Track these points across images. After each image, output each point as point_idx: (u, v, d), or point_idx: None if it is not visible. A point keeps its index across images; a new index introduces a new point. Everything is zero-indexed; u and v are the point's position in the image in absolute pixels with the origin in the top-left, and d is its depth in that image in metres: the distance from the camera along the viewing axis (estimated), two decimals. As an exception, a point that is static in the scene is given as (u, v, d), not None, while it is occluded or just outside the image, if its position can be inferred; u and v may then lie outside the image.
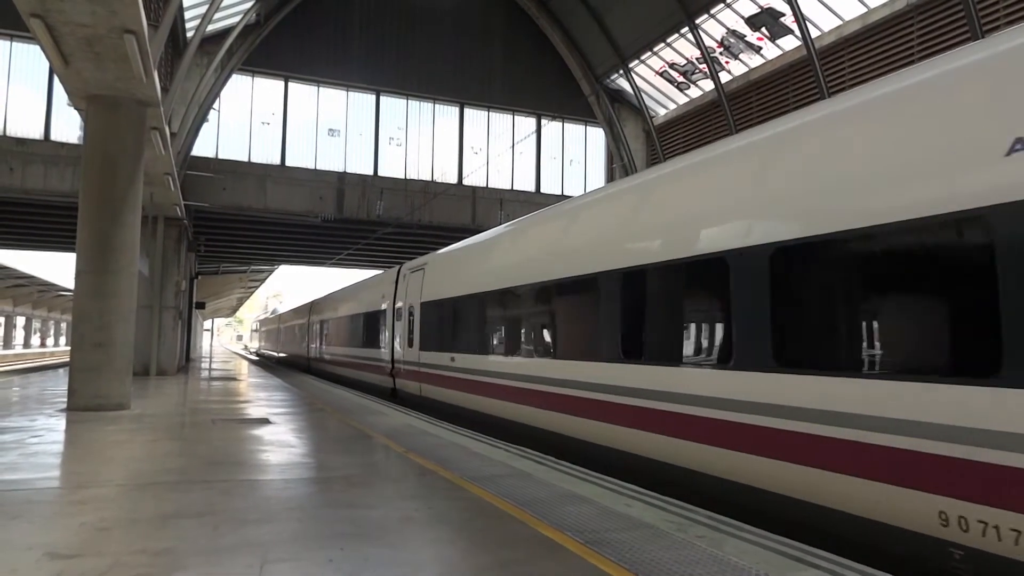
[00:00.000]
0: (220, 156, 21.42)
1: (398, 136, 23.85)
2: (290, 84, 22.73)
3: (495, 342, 9.58)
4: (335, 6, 23.07)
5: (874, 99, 4.55)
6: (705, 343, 5.65)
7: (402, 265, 15.07)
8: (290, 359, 34.20)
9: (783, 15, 18.57)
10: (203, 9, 15.33)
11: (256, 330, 71.21)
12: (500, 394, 9.15)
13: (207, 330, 55.99)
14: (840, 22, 17.74)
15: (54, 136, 18.89)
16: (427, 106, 24.40)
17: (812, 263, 4.57)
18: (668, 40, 22.20)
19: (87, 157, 10.63)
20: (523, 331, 8.79)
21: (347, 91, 23.40)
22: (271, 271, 44.41)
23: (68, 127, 18.93)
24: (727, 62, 21.32)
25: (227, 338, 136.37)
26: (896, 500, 3.87)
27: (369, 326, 17.03)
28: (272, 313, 56.77)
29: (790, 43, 19.24)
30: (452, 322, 11.22)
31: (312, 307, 27.73)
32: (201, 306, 36.90)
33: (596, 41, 24.67)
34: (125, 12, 8.31)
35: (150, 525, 4.06)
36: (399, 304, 14.32)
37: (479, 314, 10.07)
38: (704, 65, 21.58)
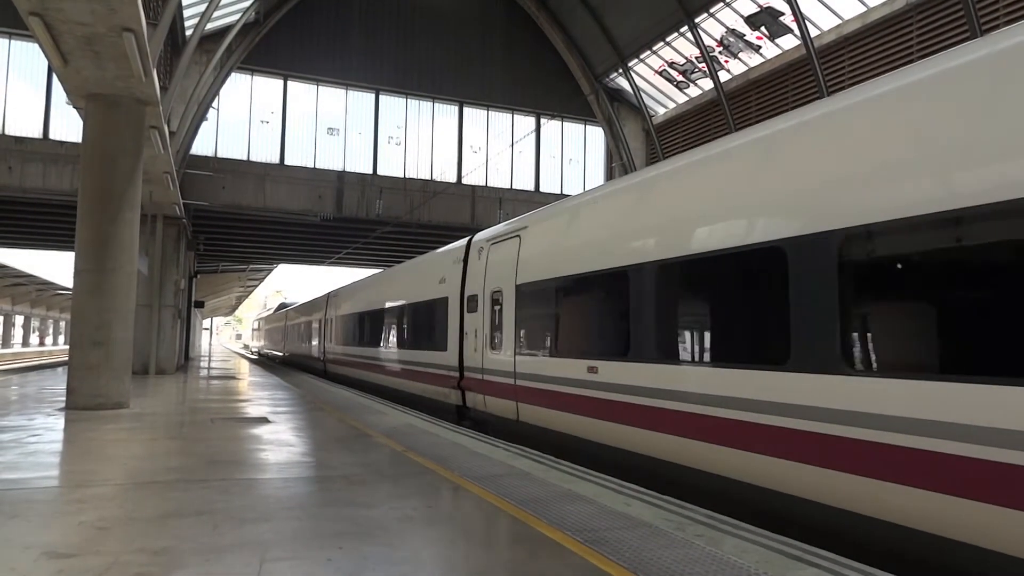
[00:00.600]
0: (219, 155, 21.42)
1: (397, 135, 23.86)
2: (289, 83, 22.72)
3: (724, 345, 5.47)
4: (334, 5, 23.07)
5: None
6: None
7: (472, 237, 11.31)
8: (300, 361, 29.79)
9: (782, 14, 18.57)
10: (202, 7, 15.32)
11: (258, 328, 65.34)
12: (738, 438, 5.11)
13: (206, 329, 55.84)
14: (839, 21, 17.75)
15: (53, 135, 18.88)
16: (426, 105, 24.40)
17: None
18: (667, 39, 22.19)
19: (86, 156, 10.62)
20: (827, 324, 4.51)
21: (346, 90, 23.39)
22: (270, 270, 44.40)
23: (67, 126, 18.92)
24: (726, 61, 21.32)
25: (226, 337, 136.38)
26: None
27: (420, 321, 13.20)
28: (277, 309, 50.10)
29: (789, 42, 19.24)
30: (591, 312, 7.42)
31: (331, 300, 23.36)
32: (200, 305, 36.91)
33: (595, 40, 24.67)
34: (124, 10, 8.30)
35: (149, 524, 4.06)
36: (471, 290, 10.58)
37: (676, 297, 6.07)
38: (703, 64, 21.58)
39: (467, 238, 11.65)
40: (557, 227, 8.53)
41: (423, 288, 13.19)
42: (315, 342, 25.76)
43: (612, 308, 6.95)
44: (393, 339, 15.12)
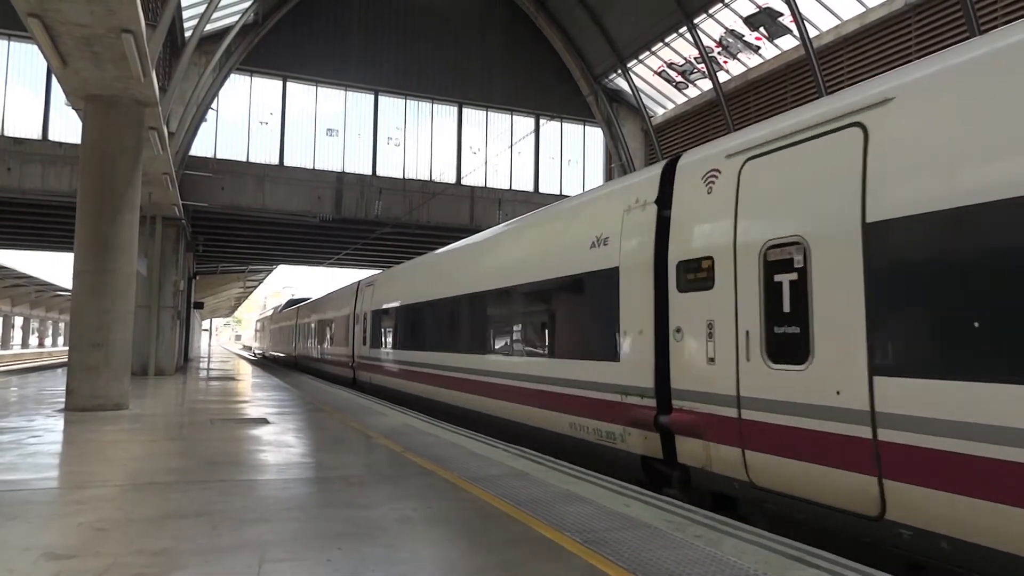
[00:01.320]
0: (218, 156, 21.41)
1: (396, 136, 23.85)
2: (288, 84, 22.71)
3: None
4: (333, 6, 23.06)
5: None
6: None
7: (675, 159, 6.58)
8: (317, 366, 25.12)
9: (781, 15, 18.58)
10: (201, 8, 15.32)
11: (261, 329, 60.26)
12: None
13: (205, 330, 55.67)
14: (838, 22, 17.76)
15: (52, 136, 18.87)
16: (425, 106, 24.40)
17: None
18: (666, 40, 22.19)
19: (85, 157, 10.62)
20: None
21: (345, 91, 23.38)
22: (270, 271, 44.29)
23: (66, 127, 18.91)
24: (725, 62, 21.32)
25: (225, 338, 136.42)
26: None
27: (547, 311, 8.44)
28: (287, 305, 44.32)
29: (788, 43, 19.25)
30: None
31: (365, 290, 18.46)
32: (199, 306, 36.85)
33: (594, 41, 24.68)
34: (123, 11, 8.30)
35: (148, 525, 4.06)
36: (690, 251, 5.84)
37: None
38: (702, 65, 21.59)
39: (659, 164, 6.86)
40: None
41: (553, 257, 8.39)
42: (341, 345, 21.12)
43: None
44: (486, 341, 10.19)
